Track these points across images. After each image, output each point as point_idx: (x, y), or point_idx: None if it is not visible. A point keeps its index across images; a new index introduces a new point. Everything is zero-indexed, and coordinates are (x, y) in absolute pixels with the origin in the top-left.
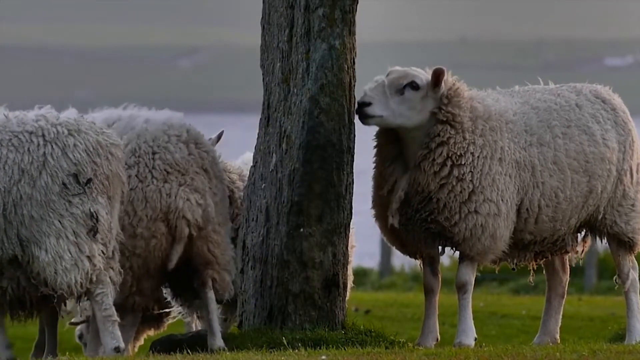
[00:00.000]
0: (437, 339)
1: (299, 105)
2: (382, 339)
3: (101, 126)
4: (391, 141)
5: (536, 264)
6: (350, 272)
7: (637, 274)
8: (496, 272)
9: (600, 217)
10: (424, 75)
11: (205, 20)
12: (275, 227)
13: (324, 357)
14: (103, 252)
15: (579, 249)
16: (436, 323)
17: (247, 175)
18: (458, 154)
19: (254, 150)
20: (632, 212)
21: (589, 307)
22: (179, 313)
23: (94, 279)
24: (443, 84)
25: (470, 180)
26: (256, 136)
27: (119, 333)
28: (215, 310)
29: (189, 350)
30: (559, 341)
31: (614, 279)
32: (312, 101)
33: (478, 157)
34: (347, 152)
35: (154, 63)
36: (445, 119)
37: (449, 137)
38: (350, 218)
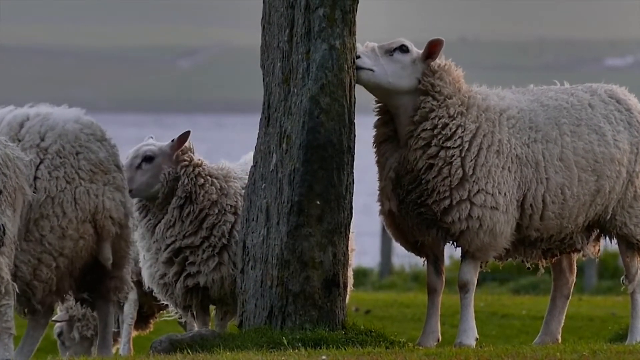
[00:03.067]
0: (438, 339)
1: (299, 105)
2: (383, 339)
3: (5, 139)
4: (385, 123)
5: (546, 263)
6: (350, 274)
7: None
8: (500, 268)
9: (609, 217)
10: (415, 47)
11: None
12: (275, 227)
13: (324, 357)
14: (8, 265)
15: (593, 249)
16: (438, 323)
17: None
18: (444, 133)
19: (254, 150)
20: None
21: (589, 307)
22: (176, 313)
23: (3, 290)
24: (437, 59)
25: (460, 166)
26: (256, 136)
27: (12, 346)
28: (112, 322)
29: (189, 351)
30: (560, 342)
31: (621, 279)
32: (312, 101)
33: (469, 142)
34: (348, 152)
35: (154, 63)
36: (424, 89)
37: (431, 110)
38: (351, 218)
